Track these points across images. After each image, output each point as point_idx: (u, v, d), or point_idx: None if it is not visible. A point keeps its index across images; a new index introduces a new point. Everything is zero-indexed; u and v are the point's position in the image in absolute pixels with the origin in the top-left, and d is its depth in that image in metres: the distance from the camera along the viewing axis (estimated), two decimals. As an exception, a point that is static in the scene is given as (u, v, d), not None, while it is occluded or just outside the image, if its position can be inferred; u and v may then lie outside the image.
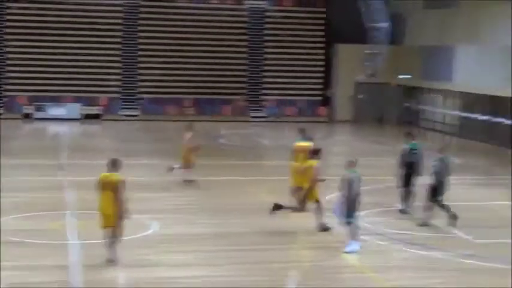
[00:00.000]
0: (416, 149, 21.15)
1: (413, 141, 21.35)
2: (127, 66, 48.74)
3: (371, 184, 24.00)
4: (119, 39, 48.76)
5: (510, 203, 22.91)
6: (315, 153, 18.46)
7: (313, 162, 18.29)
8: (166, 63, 48.83)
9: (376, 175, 24.90)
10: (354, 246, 16.64)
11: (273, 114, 48.81)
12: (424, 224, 19.23)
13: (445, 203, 19.34)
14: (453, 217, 19.27)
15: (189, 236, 18.01)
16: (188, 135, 24.96)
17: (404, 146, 21.29)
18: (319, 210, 18.38)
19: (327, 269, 15.62)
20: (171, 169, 24.76)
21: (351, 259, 16.22)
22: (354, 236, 16.80)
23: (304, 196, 18.32)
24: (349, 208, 16.69)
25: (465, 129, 42.27)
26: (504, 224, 20.16)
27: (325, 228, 18.23)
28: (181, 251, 16.67)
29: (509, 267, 15.85)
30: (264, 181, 26.27)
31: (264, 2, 50.68)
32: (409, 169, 21.05)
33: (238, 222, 19.56)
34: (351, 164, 17.01)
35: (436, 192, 19.30)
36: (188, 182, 24.45)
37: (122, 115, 46.99)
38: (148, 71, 48.85)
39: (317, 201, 18.36)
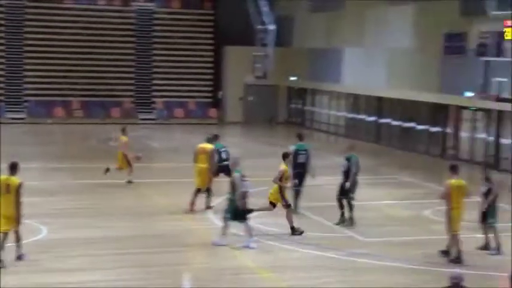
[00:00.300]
0: (305, 150, 21.48)
1: (300, 143, 21.68)
2: (11, 68, 47.42)
3: (264, 185, 24.09)
4: (2, 41, 47.41)
5: (408, 202, 23.49)
6: (285, 156, 18.44)
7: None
8: (53, 64, 47.81)
9: (268, 176, 24.91)
10: (249, 243, 16.98)
11: (162, 116, 48.53)
12: (341, 223, 19.37)
13: (353, 203, 19.74)
14: (351, 220, 19.57)
15: (80, 240, 17.63)
16: (124, 139, 24.74)
17: (292, 147, 21.56)
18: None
19: (222, 270, 15.56)
20: (107, 170, 24.61)
21: (246, 260, 16.22)
22: (248, 233, 17.02)
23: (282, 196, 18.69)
24: (236, 207, 16.87)
25: (352, 130, 43.05)
26: (392, 223, 20.61)
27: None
28: (72, 255, 16.27)
29: (400, 264, 16.20)
30: (155, 183, 26.03)
31: (152, 4, 50.27)
32: (300, 169, 21.30)
33: (130, 225, 19.30)
34: (234, 164, 17.69)
35: (343, 190, 19.66)
36: (129, 183, 24.64)
37: (8, 118, 45.66)
38: (34, 73, 47.67)
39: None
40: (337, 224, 19.57)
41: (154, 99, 49.71)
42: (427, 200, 23.79)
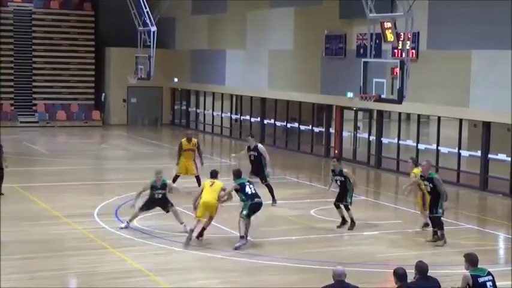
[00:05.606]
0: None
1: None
2: None
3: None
4: None
5: (294, 201, 23.78)
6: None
7: None
8: None
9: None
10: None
11: (44, 119, 47.56)
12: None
13: None
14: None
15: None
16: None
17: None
18: None
19: (112, 274, 15.38)
20: None
21: (134, 263, 16.11)
22: None
23: None
24: None
25: (237, 131, 43.32)
26: (279, 223, 20.80)
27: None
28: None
29: (287, 264, 16.44)
30: (37, 187, 25.53)
31: (30, 4, 49.11)
32: None
33: (12, 230, 18.80)
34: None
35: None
36: None
37: None
38: None
39: None
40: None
41: (35, 102, 48.67)
42: (312, 199, 24.25)
